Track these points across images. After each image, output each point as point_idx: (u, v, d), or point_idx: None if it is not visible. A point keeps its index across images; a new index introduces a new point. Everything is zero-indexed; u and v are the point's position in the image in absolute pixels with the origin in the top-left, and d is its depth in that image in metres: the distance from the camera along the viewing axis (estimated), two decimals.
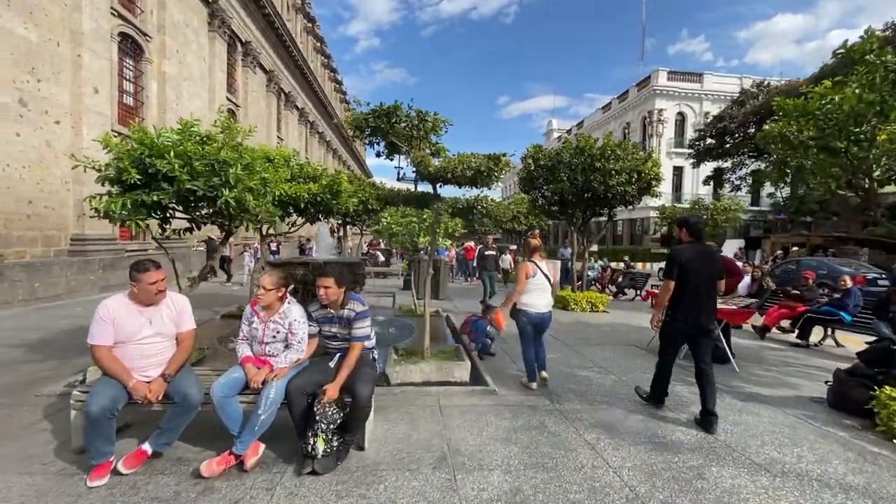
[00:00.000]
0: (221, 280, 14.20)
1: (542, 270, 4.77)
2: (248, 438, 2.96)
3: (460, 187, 5.00)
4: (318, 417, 2.98)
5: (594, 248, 17.03)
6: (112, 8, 12.42)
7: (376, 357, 3.64)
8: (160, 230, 4.70)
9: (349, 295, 3.38)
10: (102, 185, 4.26)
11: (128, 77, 13.78)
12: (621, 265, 16.64)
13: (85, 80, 11.16)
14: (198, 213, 4.76)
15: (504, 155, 4.63)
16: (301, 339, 3.28)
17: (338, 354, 3.43)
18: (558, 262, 14.44)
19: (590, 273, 13.01)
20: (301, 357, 3.27)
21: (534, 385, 4.82)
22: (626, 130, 41.18)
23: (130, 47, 13.70)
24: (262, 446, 3.13)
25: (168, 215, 4.56)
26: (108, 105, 12.19)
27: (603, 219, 11.58)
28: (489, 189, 5.10)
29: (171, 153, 3.97)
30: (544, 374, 4.98)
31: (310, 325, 3.41)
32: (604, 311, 10.42)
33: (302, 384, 3.10)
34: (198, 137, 4.46)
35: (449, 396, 4.45)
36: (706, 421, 3.79)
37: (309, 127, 35.43)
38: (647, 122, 38.65)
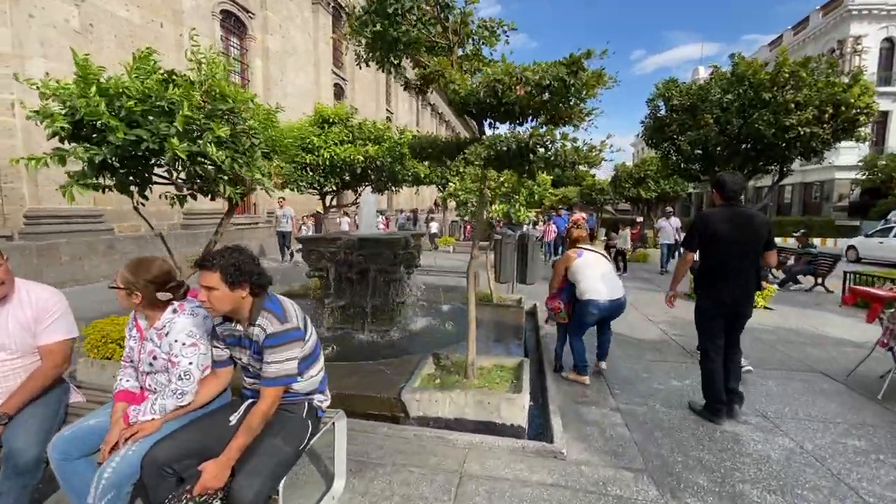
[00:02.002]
0: (278, 259, 12.82)
1: (591, 251, 4.27)
2: None
3: (521, 124, 3.16)
4: None
5: None
6: None
7: (322, 409, 2.16)
8: (139, 199, 3.82)
9: (263, 302, 1.92)
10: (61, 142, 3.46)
11: (234, 55, 14.20)
12: (790, 242, 12.43)
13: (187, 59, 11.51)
14: (180, 178, 3.76)
15: (589, 54, 2.65)
16: (186, 373, 1.95)
17: (249, 401, 2.03)
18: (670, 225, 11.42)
19: None
20: (184, 403, 1.95)
21: (586, 379, 4.07)
22: None
23: (234, 24, 14.03)
24: None
25: (133, 180, 3.61)
26: None
27: (765, 182, 8.28)
28: (576, 126, 3.16)
29: (94, 89, 2.92)
30: (603, 364, 4.41)
31: (217, 349, 2.06)
32: (766, 309, 7.42)
33: (168, 456, 1.78)
34: (157, 69, 3.37)
35: (483, 454, 2.80)
36: (730, 400, 3.37)
37: (420, 99, 34.97)
38: (837, 56, 29.42)
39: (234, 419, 1.94)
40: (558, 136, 2.77)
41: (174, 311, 2.03)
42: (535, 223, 16.14)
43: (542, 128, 2.76)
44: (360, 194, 8.11)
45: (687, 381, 4.10)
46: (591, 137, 3.04)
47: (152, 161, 3.36)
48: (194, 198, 4.08)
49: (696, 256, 3.50)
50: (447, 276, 8.40)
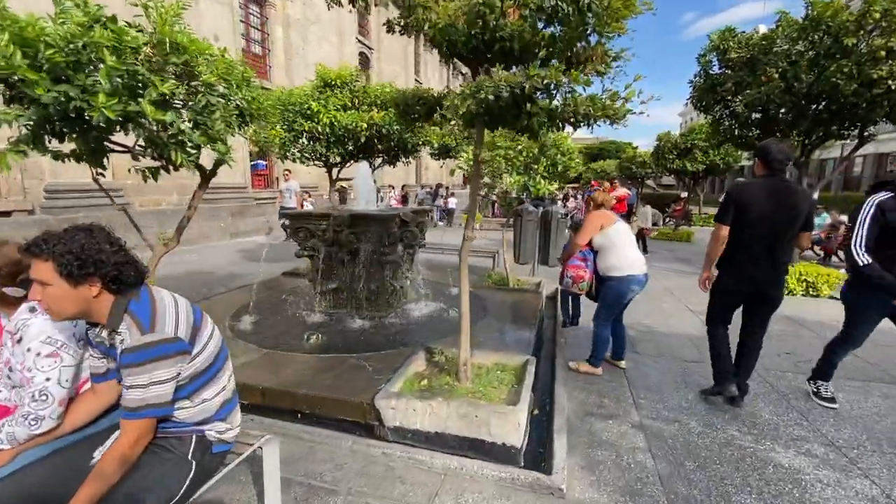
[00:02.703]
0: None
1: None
2: None
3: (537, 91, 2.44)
4: None
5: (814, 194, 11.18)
6: None
7: (226, 442, 1.65)
8: (97, 171, 3.41)
9: (128, 303, 1.41)
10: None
11: (254, 24, 13.76)
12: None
13: (203, 26, 11.16)
14: (139, 146, 3.31)
15: None
16: (42, 392, 1.48)
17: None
18: None
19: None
20: (40, 432, 1.48)
21: (599, 370, 3.66)
22: None
23: None
24: None
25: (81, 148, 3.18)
26: (232, 53, 12.20)
27: (831, 153, 7.08)
28: (601, 73, 2.42)
29: (6, 37, 2.44)
30: (623, 363, 3.83)
31: (94, 358, 1.58)
32: (832, 298, 6.39)
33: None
34: (99, 16, 2.86)
35: (461, 485, 2.26)
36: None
37: (452, 68, 33.66)
38: None
39: (97, 454, 1.47)
40: (565, 80, 2.05)
41: (31, 309, 1.55)
42: (566, 198, 15.05)
43: (542, 68, 2.04)
44: (377, 167, 7.57)
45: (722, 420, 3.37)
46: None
47: (92, 122, 2.89)
48: (167, 170, 3.64)
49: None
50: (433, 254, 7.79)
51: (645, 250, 10.16)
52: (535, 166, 5.34)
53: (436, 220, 18.06)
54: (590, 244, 3.70)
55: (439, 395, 2.77)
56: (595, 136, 53.41)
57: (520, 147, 5.39)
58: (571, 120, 2.22)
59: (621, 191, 11.38)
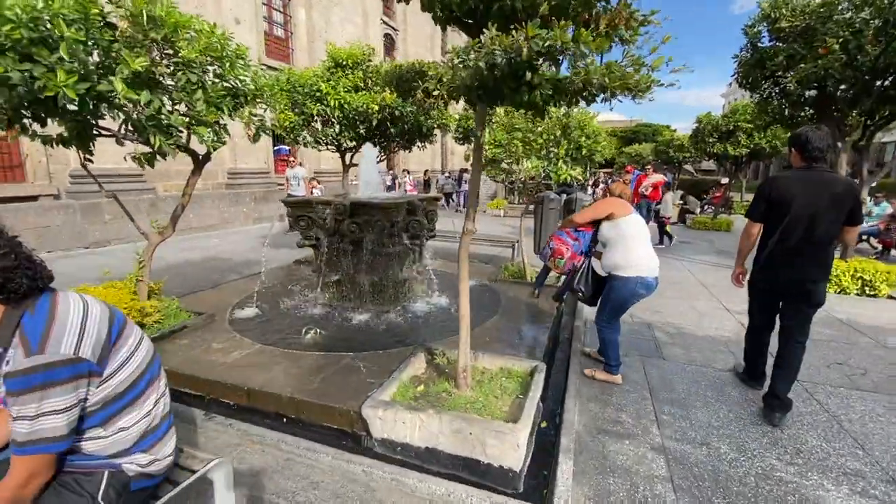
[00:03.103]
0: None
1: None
2: None
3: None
4: None
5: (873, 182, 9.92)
6: None
7: (150, 476, 1.41)
8: (84, 155, 3.26)
9: (21, 315, 1.17)
10: None
11: (276, 6, 13.58)
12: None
13: (224, 10, 11.05)
14: (127, 129, 3.12)
15: None
16: None
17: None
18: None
19: (865, 225, 7.69)
20: None
21: (618, 378, 3.26)
22: None
23: None
24: None
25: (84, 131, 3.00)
26: (253, 37, 12.12)
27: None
28: (628, 42, 2.01)
29: None
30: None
31: None
32: (892, 298, 5.71)
33: None
34: None
35: None
36: (769, 404, 2.80)
37: None
38: None
39: None
40: (572, 43, 1.67)
41: None
42: (596, 184, 14.32)
43: (546, 31, 1.67)
44: (391, 152, 7.27)
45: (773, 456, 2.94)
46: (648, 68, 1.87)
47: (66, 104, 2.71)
48: (163, 156, 3.46)
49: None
50: (483, 245, 7.44)
51: (661, 241, 9.53)
52: (556, 150, 4.91)
53: (460, 206, 17.70)
54: (595, 237, 3.34)
55: (431, 407, 2.49)
56: (629, 118, 51.21)
57: (540, 128, 4.97)
58: (584, 93, 1.83)
59: (656, 177, 10.63)
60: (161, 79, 2.91)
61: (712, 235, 11.30)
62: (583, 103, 2.05)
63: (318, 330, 3.77)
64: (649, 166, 11.54)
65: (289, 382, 2.93)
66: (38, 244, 7.76)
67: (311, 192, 10.62)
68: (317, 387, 2.88)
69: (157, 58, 2.85)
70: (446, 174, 17.56)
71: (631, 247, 3.10)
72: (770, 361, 3.09)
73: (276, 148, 14.31)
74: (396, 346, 3.51)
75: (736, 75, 7.48)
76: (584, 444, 2.53)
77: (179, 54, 2.85)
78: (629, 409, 2.92)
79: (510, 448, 2.24)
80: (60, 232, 7.95)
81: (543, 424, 2.80)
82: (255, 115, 3.66)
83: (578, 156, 5.25)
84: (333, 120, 5.89)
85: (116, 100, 2.57)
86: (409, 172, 14.08)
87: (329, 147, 6.67)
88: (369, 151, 4.53)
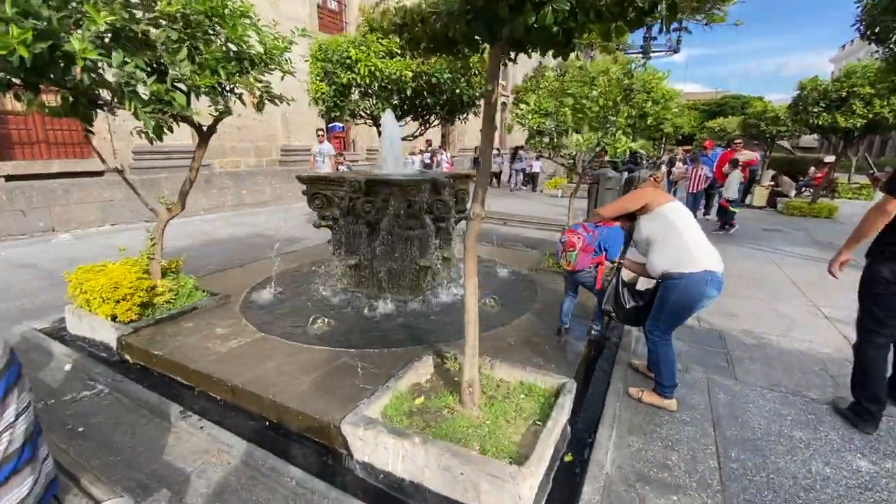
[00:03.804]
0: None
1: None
2: None
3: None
4: None
5: None
6: None
7: None
8: (85, 126, 3.08)
9: None
10: None
11: None
12: None
13: None
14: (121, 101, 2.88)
15: None
16: None
17: None
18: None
19: None
20: None
21: (673, 403, 2.60)
22: None
23: None
24: None
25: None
26: (306, 9, 11.98)
27: None
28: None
29: None
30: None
31: None
32: None
33: None
34: None
35: None
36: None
37: None
38: None
39: None
40: None
41: None
42: (672, 162, 12.72)
43: None
44: (430, 125, 6.77)
45: (891, 464, 2.15)
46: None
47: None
48: (170, 129, 3.23)
49: None
50: (528, 228, 6.78)
51: (722, 226, 8.22)
52: (614, 118, 4.12)
53: (515, 185, 16.84)
54: (628, 240, 2.77)
55: (417, 433, 2.03)
56: (715, 90, 46.11)
57: (595, 92, 4.19)
58: (620, 12, 1.20)
59: (747, 154, 9.08)
60: (146, 38, 2.60)
61: (809, 223, 9.64)
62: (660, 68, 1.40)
63: (327, 320, 3.43)
64: (738, 141, 9.89)
65: (277, 381, 2.61)
66: (102, 217, 8.26)
67: (338, 170, 10.29)
68: (304, 389, 2.52)
69: (139, 14, 2.54)
70: (496, 151, 16.67)
71: (687, 236, 2.42)
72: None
73: (330, 125, 14.30)
74: (405, 345, 3.08)
75: (858, 25, 6.00)
76: (614, 495, 1.95)
77: (156, 8, 2.51)
78: (682, 449, 2.27)
79: (510, 500, 1.73)
80: (123, 206, 8.38)
81: (568, 458, 2.25)
82: (260, 82, 3.29)
83: (643, 125, 4.40)
84: (367, 90, 5.47)
85: (86, 62, 2.29)
86: (445, 149, 13.30)
87: (367, 121, 6.30)
88: (390, 120, 4.05)
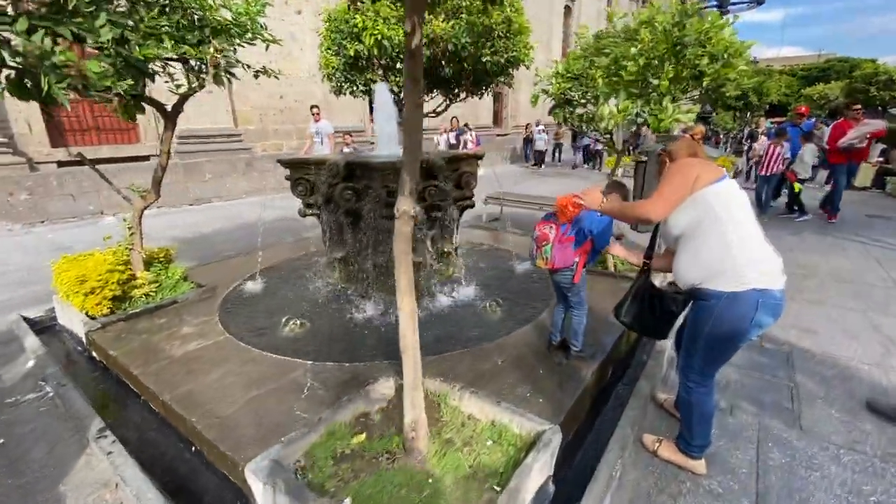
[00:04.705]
0: None
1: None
2: None
3: None
4: None
5: None
6: None
7: None
8: (45, 112, 2.87)
9: None
10: None
11: None
12: None
13: None
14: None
15: None
16: None
17: None
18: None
19: None
20: None
21: (701, 465, 1.93)
22: None
23: None
24: None
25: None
26: None
27: None
28: None
29: None
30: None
31: None
32: None
33: None
34: None
35: None
36: None
37: None
38: None
39: None
40: None
41: None
42: (752, 137, 10.83)
43: None
44: (456, 100, 6.14)
45: None
46: None
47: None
48: (141, 110, 2.98)
49: None
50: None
51: (801, 210, 6.76)
52: (657, 81, 3.26)
53: (577, 163, 15.69)
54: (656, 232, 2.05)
55: (324, 494, 1.56)
56: (817, 52, 39.96)
57: (636, 49, 3.35)
58: None
59: (875, 123, 7.20)
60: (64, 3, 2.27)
61: None
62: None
63: (300, 322, 3.06)
64: (857, 107, 7.76)
65: (211, 398, 2.27)
66: None
67: (340, 152, 9.69)
68: (233, 413, 2.15)
69: None
70: (539, 128, 15.37)
71: (733, 233, 1.66)
72: None
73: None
74: (375, 359, 2.62)
75: None
76: None
77: None
78: None
79: None
80: (167, 190, 8.61)
81: None
82: (221, 53, 2.90)
83: (697, 87, 3.49)
84: (377, 61, 4.95)
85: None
86: (470, 128, 12.29)
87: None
88: (382, 93, 3.52)
